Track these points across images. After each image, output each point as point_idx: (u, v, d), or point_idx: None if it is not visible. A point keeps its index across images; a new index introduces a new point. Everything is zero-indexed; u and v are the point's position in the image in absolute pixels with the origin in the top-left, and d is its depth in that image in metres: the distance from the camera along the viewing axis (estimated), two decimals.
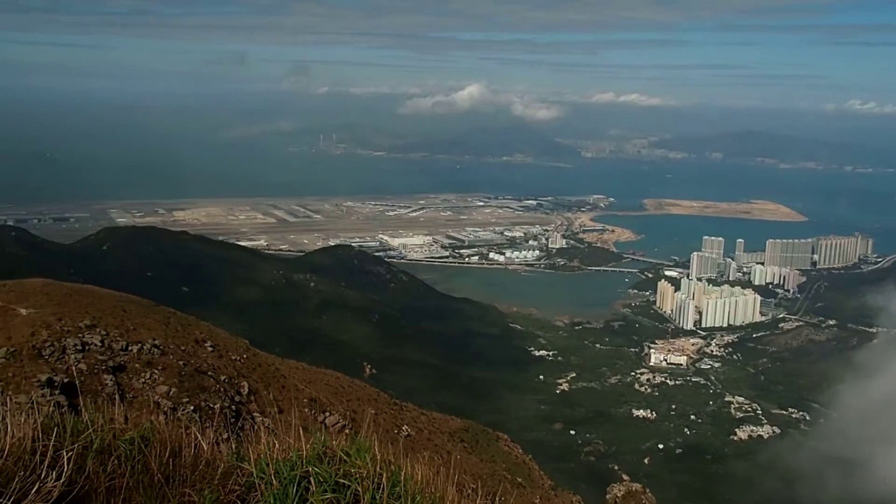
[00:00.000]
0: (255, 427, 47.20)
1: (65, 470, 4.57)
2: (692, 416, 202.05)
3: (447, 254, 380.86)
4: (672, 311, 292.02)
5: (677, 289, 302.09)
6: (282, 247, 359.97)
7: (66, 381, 44.10)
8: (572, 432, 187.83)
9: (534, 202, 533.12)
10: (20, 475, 4.37)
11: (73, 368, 46.40)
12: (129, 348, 50.37)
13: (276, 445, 6.11)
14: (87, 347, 48.65)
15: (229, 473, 5.84)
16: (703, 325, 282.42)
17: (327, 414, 54.76)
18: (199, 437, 6.12)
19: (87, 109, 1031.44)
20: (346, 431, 50.59)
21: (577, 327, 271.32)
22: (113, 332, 51.34)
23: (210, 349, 57.40)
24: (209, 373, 52.54)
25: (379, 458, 6.02)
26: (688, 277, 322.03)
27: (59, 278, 69.11)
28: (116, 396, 44.59)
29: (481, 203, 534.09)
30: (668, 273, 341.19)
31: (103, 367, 47.19)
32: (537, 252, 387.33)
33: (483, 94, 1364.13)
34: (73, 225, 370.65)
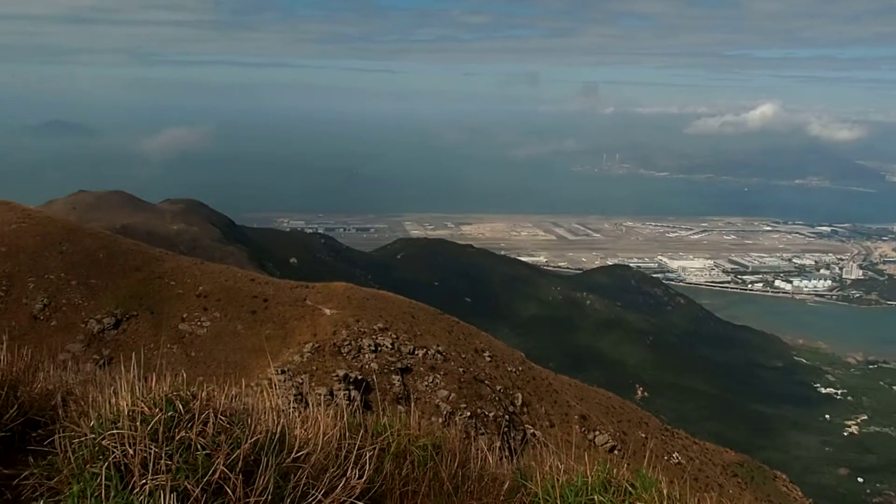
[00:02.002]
0: (527, 438, 47.66)
1: (366, 469, 4.80)
2: None
3: (728, 279, 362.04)
4: None
5: None
6: (561, 264, 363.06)
7: (359, 377, 47.69)
8: (860, 480, 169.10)
9: (828, 229, 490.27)
10: (331, 470, 4.66)
11: (367, 367, 50.13)
12: (416, 352, 53.45)
13: (561, 467, 5.99)
14: (379, 348, 52.39)
15: (514, 491, 5.84)
16: None
17: (597, 432, 54.15)
18: (486, 451, 6.19)
19: (390, 129, 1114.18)
20: (616, 452, 49.62)
21: (871, 366, 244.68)
22: (402, 336, 54.80)
23: (488, 359, 59.25)
24: (486, 382, 54.23)
25: (666, 493, 5.69)
26: None
27: (358, 283, 75.20)
28: (411, 400, 47.24)
29: (769, 228, 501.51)
30: None
31: (392, 368, 50.52)
32: (829, 282, 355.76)
33: (777, 114, 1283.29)
34: (372, 235, 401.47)
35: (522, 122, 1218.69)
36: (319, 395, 38.16)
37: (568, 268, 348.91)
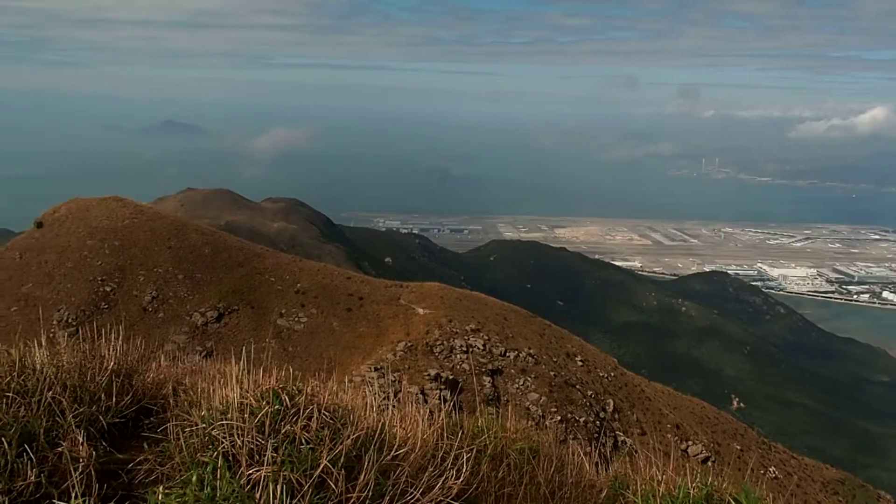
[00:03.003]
0: (618, 445, 46.98)
1: (463, 470, 4.85)
2: None
3: (832, 289, 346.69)
4: None
5: None
6: (656, 269, 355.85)
7: (451, 377, 47.92)
8: None
9: None
10: (429, 470, 4.73)
11: (458, 367, 50.34)
12: (507, 354, 53.36)
13: (660, 477, 5.90)
14: (470, 349, 52.54)
15: (611, 499, 5.78)
16: None
17: (690, 442, 52.85)
18: (583, 457, 6.15)
19: (485, 131, 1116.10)
20: (710, 464, 48.31)
21: None
22: (494, 338, 54.79)
23: (580, 363, 58.60)
24: (577, 386, 53.65)
25: None
26: None
27: (451, 284, 75.61)
28: (501, 402, 47.22)
29: (877, 236, 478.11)
30: None
31: (483, 370, 50.57)
32: None
33: (889, 118, 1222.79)
34: (466, 236, 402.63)
35: (619, 125, 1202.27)
36: (411, 394, 38.56)
37: (663, 273, 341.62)
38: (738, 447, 56.95)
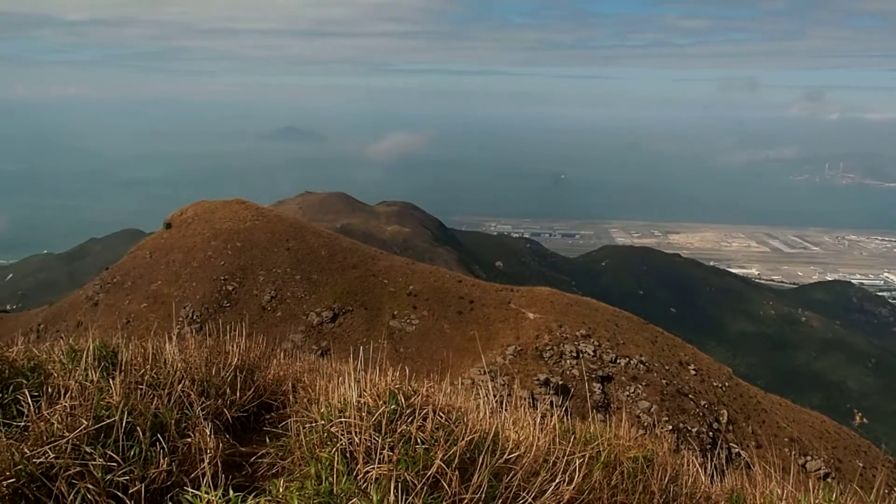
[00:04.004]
0: (732, 458, 45.43)
1: (576, 476, 4.82)
2: None
3: None
4: None
5: None
6: (774, 277, 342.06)
7: (560, 383, 47.57)
8: None
9: None
10: (541, 475, 4.73)
11: (568, 373, 49.91)
12: (618, 361, 52.54)
13: (779, 492, 5.71)
14: (580, 355, 52.00)
15: None
16: None
17: (808, 457, 50.58)
18: (698, 468, 6.01)
19: (599, 135, 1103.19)
20: (829, 480, 46.06)
21: None
22: (605, 344, 54.05)
23: (693, 372, 57.06)
24: (690, 396, 52.26)
25: None
26: None
27: (562, 289, 75.04)
28: (611, 409, 46.60)
29: None
30: None
31: (593, 376, 49.96)
32: None
33: None
34: (577, 241, 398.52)
35: (738, 129, 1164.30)
36: (521, 398, 38.52)
37: (782, 282, 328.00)
38: (861, 464, 54.19)
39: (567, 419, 6.26)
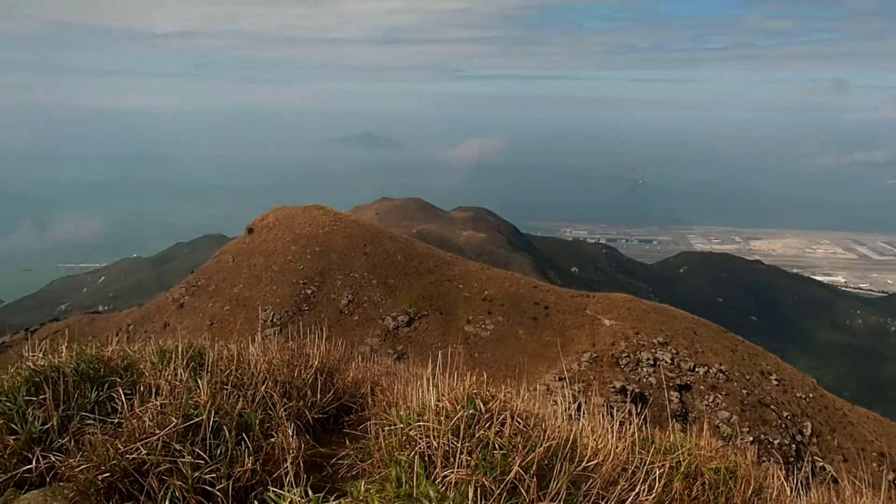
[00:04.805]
0: (816, 472, 43.98)
1: (656, 486, 4.77)
2: None
3: None
4: None
5: None
6: (862, 285, 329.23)
7: (636, 391, 46.86)
8: None
9: None
10: (620, 484, 4.69)
11: (645, 380, 49.12)
12: (696, 369, 51.47)
13: None
14: (657, 363, 51.15)
15: None
16: None
17: None
18: (783, 481, 5.86)
19: (677, 139, 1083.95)
20: None
21: None
22: (682, 352, 53.03)
23: (775, 383, 55.46)
24: (772, 406, 50.80)
25: None
26: None
27: (638, 296, 73.97)
28: (689, 418, 45.71)
29: None
30: None
31: (670, 384, 49.06)
32: None
33: None
34: (655, 247, 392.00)
35: (824, 132, 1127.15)
36: (597, 405, 38.12)
37: (871, 290, 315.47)
38: None
39: (646, 428, 6.19)
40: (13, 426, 5.33)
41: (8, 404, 5.48)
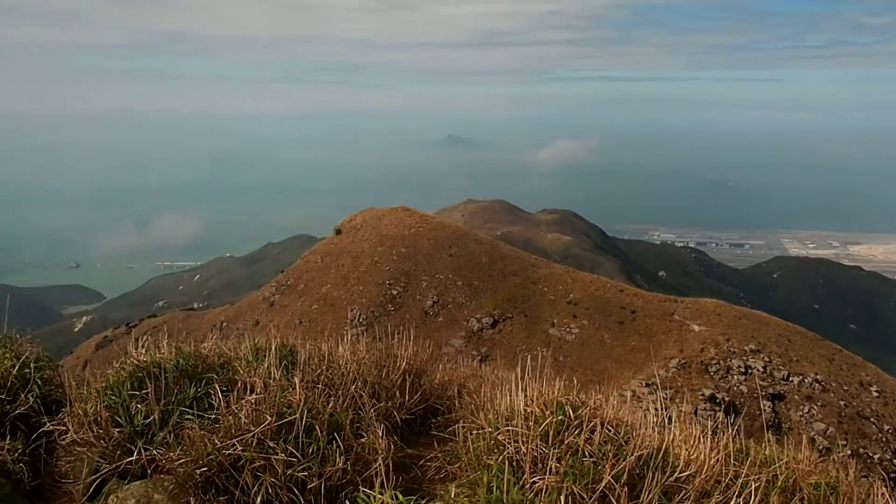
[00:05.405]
0: None
1: (751, 500, 4.63)
2: None
3: None
4: None
5: None
6: None
7: (726, 399, 45.64)
8: None
9: None
10: (714, 497, 4.58)
11: (735, 389, 47.79)
12: (790, 379, 49.76)
13: None
14: (749, 371, 49.67)
15: None
16: None
17: None
18: (889, 500, 5.60)
19: (771, 140, 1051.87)
20: None
21: None
22: (776, 360, 51.36)
23: (875, 394, 53.11)
24: (872, 419, 48.67)
25: None
26: None
27: (729, 301, 71.99)
28: (782, 429, 44.31)
29: None
30: None
31: (763, 393, 47.55)
32: None
33: None
34: (746, 251, 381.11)
35: None
36: (684, 413, 37.30)
37: None
38: None
39: (740, 439, 6.02)
40: (118, 419, 5.56)
41: (113, 398, 5.71)
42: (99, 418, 5.59)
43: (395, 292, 65.51)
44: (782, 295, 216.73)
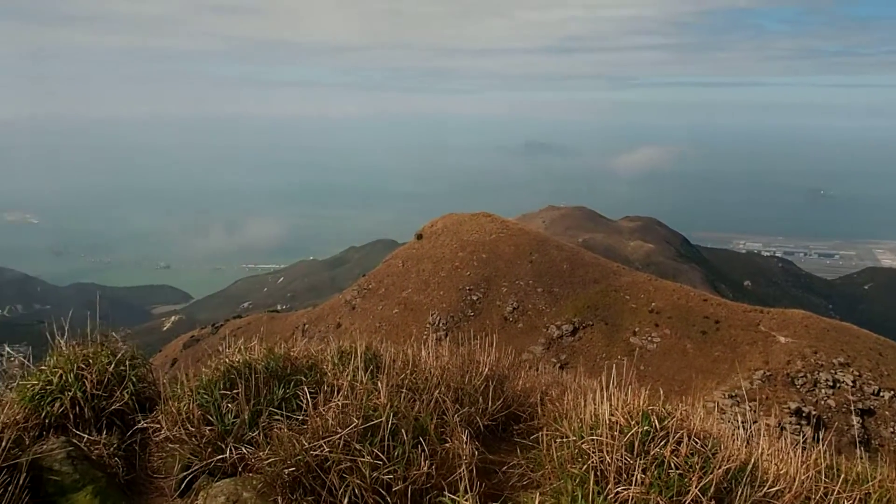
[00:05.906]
0: None
1: None
2: None
3: None
4: None
5: None
6: None
7: (813, 413, 44.16)
8: None
9: None
10: None
11: (822, 403, 46.20)
12: (881, 394, 47.83)
13: None
14: (838, 385, 47.98)
15: None
16: None
17: None
18: None
19: (868, 148, 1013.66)
20: None
21: None
22: (866, 375, 49.45)
23: None
24: None
25: None
26: None
27: (817, 313, 69.63)
28: (871, 446, 42.66)
29: None
30: None
31: (851, 408, 45.83)
32: None
33: None
34: (836, 262, 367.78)
35: None
36: (769, 426, 36.27)
37: None
38: None
39: (832, 456, 5.85)
40: (209, 418, 5.75)
41: (206, 397, 5.91)
42: (191, 416, 5.78)
43: (475, 298, 65.63)
44: (874, 307, 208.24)
